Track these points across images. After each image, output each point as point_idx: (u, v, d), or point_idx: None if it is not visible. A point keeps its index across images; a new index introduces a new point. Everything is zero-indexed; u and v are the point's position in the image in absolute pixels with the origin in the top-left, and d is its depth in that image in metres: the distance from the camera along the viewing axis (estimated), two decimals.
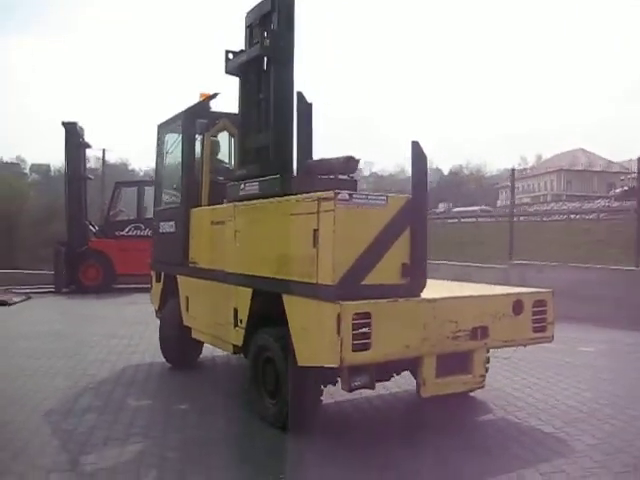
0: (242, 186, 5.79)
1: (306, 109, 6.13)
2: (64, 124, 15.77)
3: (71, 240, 16.07)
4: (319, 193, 4.51)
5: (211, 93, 6.91)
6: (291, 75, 5.77)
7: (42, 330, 10.15)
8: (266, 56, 5.87)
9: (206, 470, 4.24)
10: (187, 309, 6.86)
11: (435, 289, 5.18)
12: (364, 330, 4.28)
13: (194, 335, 6.77)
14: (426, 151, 4.64)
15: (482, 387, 5.01)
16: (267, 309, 5.18)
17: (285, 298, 4.86)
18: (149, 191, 17.52)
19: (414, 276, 4.60)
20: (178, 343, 7.11)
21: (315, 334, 4.49)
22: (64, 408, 5.66)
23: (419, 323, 4.53)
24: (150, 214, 17.15)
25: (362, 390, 4.71)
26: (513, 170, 12.54)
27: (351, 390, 4.52)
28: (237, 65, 6.19)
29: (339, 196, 4.35)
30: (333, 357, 4.26)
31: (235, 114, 6.53)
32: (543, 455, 4.41)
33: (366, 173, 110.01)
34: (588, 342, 8.60)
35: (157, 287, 7.78)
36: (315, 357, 4.49)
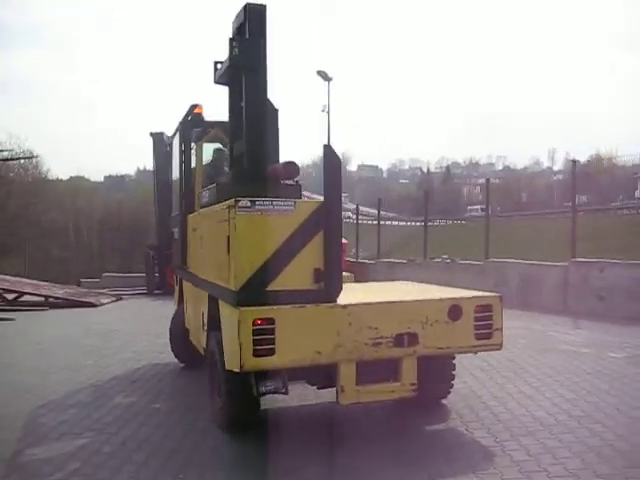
0: (204, 194, 5.98)
1: (272, 115, 6.21)
2: (151, 134, 16.79)
3: (160, 244, 17.08)
4: (229, 201, 4.60)
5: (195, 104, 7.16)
6: (263, 83, 5.84)
7: (106, 329, 11.02)
8: (237, 65, 6.01)
9: (122, 464, 4.47)
10: (186, 311, 7.17)
11: (363, 293, 5.09)
12: (267, 336, 4.31)
13: (190, 337, 7.05)
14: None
15: (414, 395, 4.79)
16: (216, 313, 5.33)
17: (219, 303, 5.00)
18: None
19: (328, 281, 4.56)
20: (184, 344, 7.43)
21: (228, 339, 4.59)
22: (55, 402, 6.18)
23: (331, 329, 4.47)
24: None
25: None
26: (574, 161, 11.68)
27: (260, 395, 4.55)
28: (222, 75, 6.38)
29: (239, 204, 4.43)
30: (236, 361, 4.34)
31: (227, 122, 6.73)
32: (455, 469, 4.21)
33: (499, 167, 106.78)
34: (623, 347, 7.87)
35: (176, 290, 8.18)
36: (229, 361, 4.58)
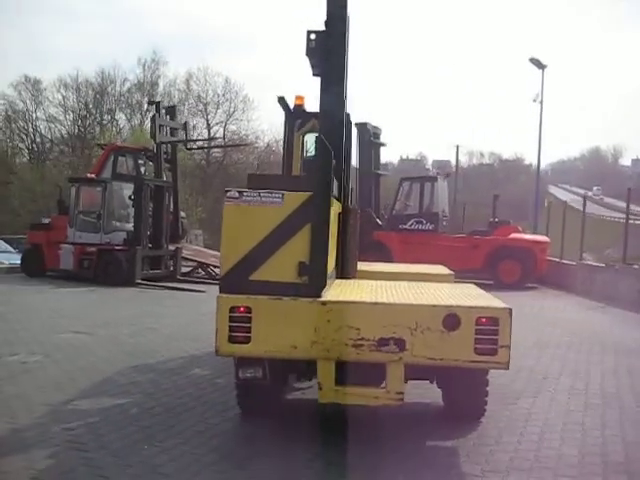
0: None
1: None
2: (356, 125, 17.24)
3: (360, 231, 17.50)
4: None
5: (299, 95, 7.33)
6: (337, 74, 5.85)
7: None
8: (312, 57, 6.06)
9: (129, 425, 4.95)
10: None
11: (362, 291, 4.90)
12: (243, 324, 4.41)
13: None
14: None
15: (399, 404, 4.44)
16: None
17: None
18: (430, 186, 18.10)
19: (312, 275, 4.48)
20: None
21: None
22: (148, 366, 6.96)
23: (308, 325, 4.38)
24: (436, 209, 17.82)
25: None
26: None
27: (240, 381, 4.65)
28: (313, 67, 6.52)
29: (228, 194, 4.56)
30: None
31: None
32: None
33: None
34: None
35: None
36: None
